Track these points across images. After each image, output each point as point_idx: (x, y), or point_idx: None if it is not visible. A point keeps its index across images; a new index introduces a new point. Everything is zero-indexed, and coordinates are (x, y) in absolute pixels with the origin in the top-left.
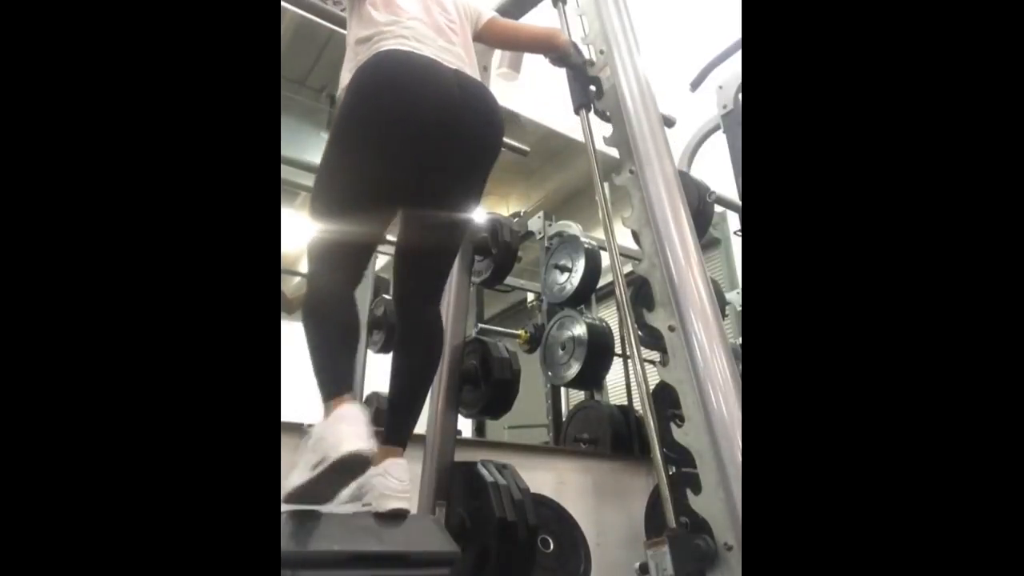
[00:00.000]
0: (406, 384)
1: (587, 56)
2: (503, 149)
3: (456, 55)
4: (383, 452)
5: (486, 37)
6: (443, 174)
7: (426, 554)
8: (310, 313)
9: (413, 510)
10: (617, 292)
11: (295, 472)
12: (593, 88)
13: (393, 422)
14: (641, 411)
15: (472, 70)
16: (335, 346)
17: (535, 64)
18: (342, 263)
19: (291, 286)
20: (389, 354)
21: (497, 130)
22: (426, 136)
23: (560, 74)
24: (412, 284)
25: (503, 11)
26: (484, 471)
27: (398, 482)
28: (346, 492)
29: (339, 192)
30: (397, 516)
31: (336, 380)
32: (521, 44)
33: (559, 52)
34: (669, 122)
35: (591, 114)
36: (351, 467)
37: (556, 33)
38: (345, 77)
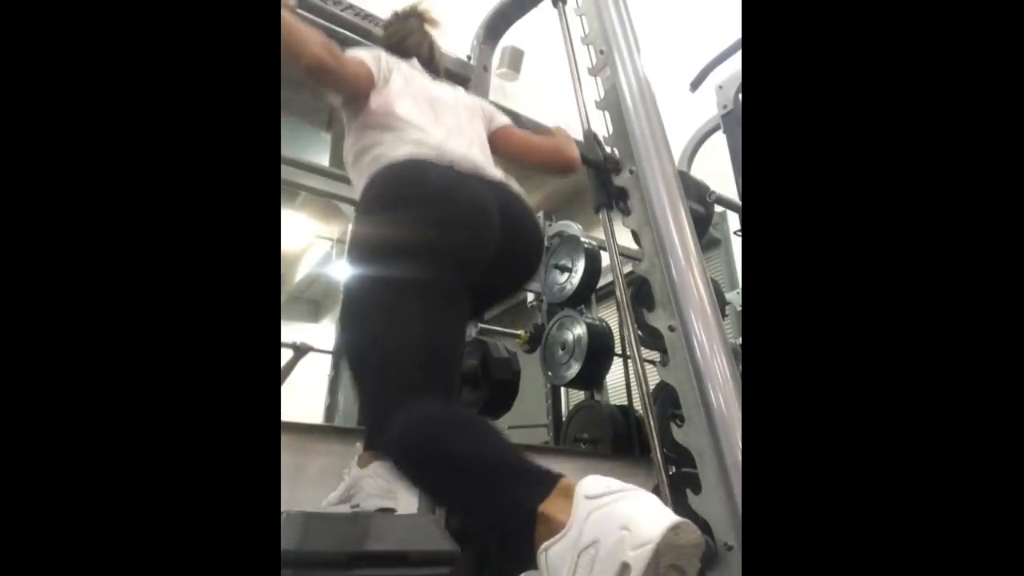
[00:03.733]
0: None
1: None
2: None
3: (468, 151)
4: (371, 455)
5: (494, 145)
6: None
7: (425, 553)
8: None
9: (400, 510)
10: (617, 292)
11: (335, 493)
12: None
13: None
14: (641, 411)
15: (494, 169)
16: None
17: (535, 64)
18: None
19: (289, 287)
20: None
21: (540, 243)
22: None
23: (561, 75)
24: None
25: (503, 11)
26: None
27: (385, 483)
28: (335, 495)
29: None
30: (385, 514)
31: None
32: (533, 160)
33: (571, 170)
34: None
35: (612, 212)
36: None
37: (568, 148)
38: (360, 183)
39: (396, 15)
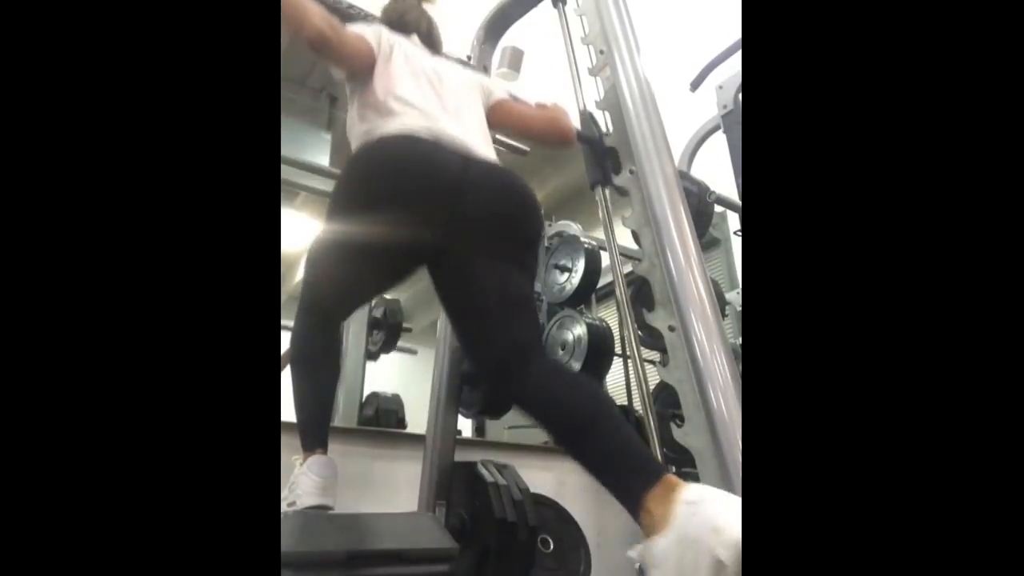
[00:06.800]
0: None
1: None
2: (503, 150)
3: (465, 132)
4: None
5: (492, 118)
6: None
7: (424, 551)
8: (298, 362)
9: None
10: (617, 292)
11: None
12: (610, 162)
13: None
14: (641, 411)
15: (485, 148)
16: (318, 400)
17: (536, 64)
18: (339, 305)
19: (290, 287)
20: (389, 354)
21: (521, 208)
22: (429, 214)
23: (560, 75)
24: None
25: (503, 11)
26: (484, 471)
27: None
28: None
29: (342, 258)
30: (383, 513)
31: (313, 436)
32: (529, 131)
33: (568, 141)
34: None
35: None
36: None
37: (563, 121)
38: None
39: None
